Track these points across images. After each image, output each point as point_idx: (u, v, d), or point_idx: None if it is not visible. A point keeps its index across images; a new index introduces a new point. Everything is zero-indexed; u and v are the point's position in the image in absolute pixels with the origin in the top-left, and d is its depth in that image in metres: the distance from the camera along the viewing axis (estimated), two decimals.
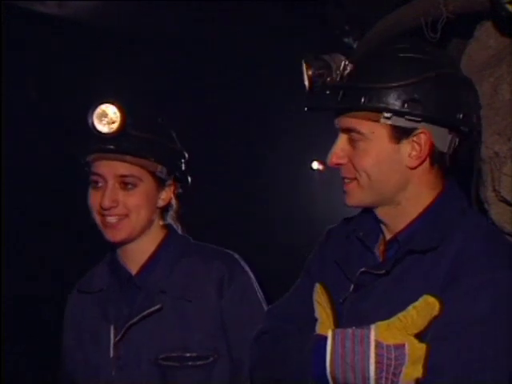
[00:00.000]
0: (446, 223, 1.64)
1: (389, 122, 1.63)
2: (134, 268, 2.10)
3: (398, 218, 1.69)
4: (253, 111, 6.21)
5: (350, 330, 1.59)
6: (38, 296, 5.19)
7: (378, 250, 1.73)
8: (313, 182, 7.03)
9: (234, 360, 2.03)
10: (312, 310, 1.76)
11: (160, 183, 2.08)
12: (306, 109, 1.76)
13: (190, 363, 2.01)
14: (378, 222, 1.74)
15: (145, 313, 2.02)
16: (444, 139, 1.66)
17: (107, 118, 1.99)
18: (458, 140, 1.68)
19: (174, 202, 2.16)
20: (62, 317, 2.23)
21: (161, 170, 2.06)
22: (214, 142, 6.07)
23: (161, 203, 2.11)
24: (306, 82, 1.75)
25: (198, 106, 5.82)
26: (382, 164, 1.65)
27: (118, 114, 1.99)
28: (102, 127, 1.99)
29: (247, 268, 2.13)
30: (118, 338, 2.02)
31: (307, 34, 5.07)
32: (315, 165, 7.04)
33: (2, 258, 4.78)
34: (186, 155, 2.18)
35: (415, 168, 1.66)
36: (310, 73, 1.74)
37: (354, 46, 3.20)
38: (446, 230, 1.62)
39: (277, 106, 6.04)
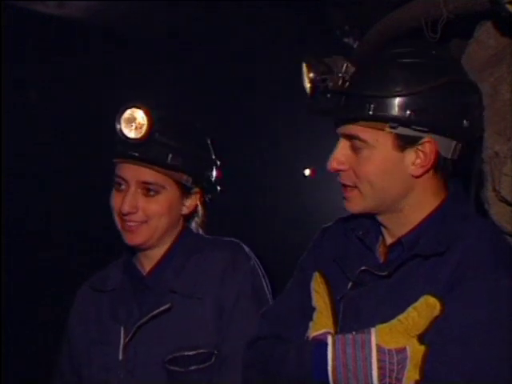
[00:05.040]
0: (452, 229, 1.62)
1: (394, 131, 1.60)
2: (147, 269, 2.08)
3: (400, 223, 1.67)
4: (253, 112, 6.21)
5: (350, 336, 1.58)
6: (38, 296, 5.19)
7: (379, 250, 1.72)
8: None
9: (225, 355, 1.96)
10: (308, 311, 1.74)
11: (185, 191, 2.04)
12: (309, 113, 1.71)
13: (193, 367, 1.97)
14: (379, 224, 1.72)
15: (154, 312, 1.99)
16: (448, 146, 1.63)
17: (135, 122, 1.95)
18: (461, 145, 1.65)
19: (199, 209, 2.11)
20: (61, 317, 2.22)
21: (186, 178, 2.02)
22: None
23: (185, 210, 2.07)
24: (308, 85, 1.69)
25: (196, 106, 5.82)
26: (386, 172, 1.62)
27: (146, 119, 1.94)
28: (129, 132, 1.95)
29: (252, 255, 2.08)
30: (128, 339, 2.00)
31: (307, 35, 5.07)
32: (307, 171, 6.93)
33: (2, 257, 4.78)
34: (218, 162, 2.12)
35: (419, 176, 1.63)
36: (311, 76, 1.68)
37: (354, 46, 3.20)
38: (452, 235, 1.60)
39: (276, 108, 6.04)
